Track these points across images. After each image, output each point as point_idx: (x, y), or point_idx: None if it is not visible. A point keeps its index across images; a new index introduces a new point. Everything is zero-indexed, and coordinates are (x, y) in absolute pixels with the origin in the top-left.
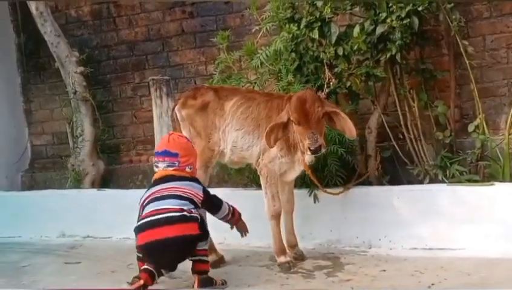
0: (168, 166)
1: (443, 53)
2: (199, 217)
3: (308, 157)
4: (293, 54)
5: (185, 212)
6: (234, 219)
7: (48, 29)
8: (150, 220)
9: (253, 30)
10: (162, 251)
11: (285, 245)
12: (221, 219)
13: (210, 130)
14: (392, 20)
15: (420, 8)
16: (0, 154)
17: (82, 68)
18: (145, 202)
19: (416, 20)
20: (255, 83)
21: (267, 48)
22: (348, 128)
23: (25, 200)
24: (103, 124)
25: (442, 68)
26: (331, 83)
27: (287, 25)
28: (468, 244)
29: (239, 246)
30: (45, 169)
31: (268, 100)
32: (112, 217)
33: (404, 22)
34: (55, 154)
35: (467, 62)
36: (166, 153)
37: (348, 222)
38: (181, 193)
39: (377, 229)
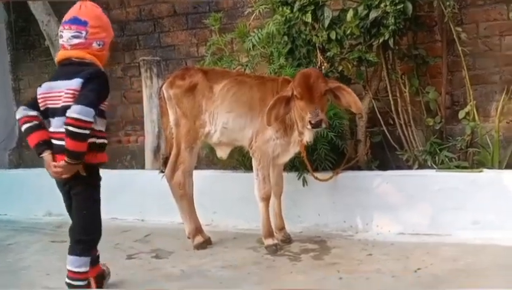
0: (73, 36)
1: (436, 39)
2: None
3: (308, 136)
4: (286, 37)
5: None
6: (73, 143)
7: (39, 8)
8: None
9: (245, 12)
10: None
11: (273, 228)
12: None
13: (197, 112)
14: (386, 5)
15: None
16: None
17: None
18: (40, 102)
19: (409, 6)
20: (247, 65)
21: (260, 30)
22: (354, 102)
23: (12, 178)
24: None
25: (435, 54)
26: (323, 67)
27: (280, 8)
28: (455, 230)
29: (226, 227)
30: None
31: (261, 83)
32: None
33: (398, 7)
34: None
35: (460, 49)
36: (74, 21)
37: (336, 206)
38: (69, 102)
39: (365, 213)
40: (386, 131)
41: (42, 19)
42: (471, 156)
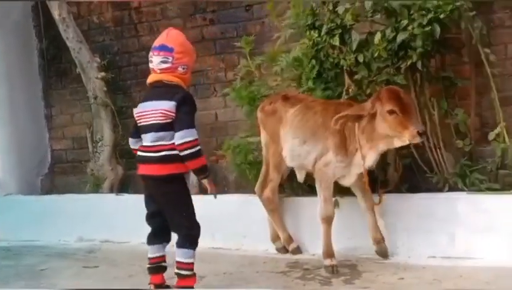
0: (162, 62)
1: (464, 61)
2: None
3: (369, 160)
4: (314, 61)
5: (164, 152)
6: (193, 162)
7: (70, 35)
8: (140, 156)
9: (274, 37)
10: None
11: (371, 241)
12: (179, 151)
13: (277, 136)
14: (413, 28)
15: (441, 16)
16: (20, 158)
17: (102, 74)
18: (137, 122)
19: (437, 28)
20: (276, 89)
21: (287, 54)
22: None
23: (44, 204)
24: (122, 130)
25: (463, 76)
26: (350, 90)
27: (307, 32)
28: (488, 254)
29: (256, 252)
30: (64, 173)
31: (324, 108)
32: (131, 222)
33: (425, 29)
34: (75, 159)
35: (488, 70)
36: (162, 48)
37: (367, 229)
38: (159, 120)
39: (396, 237)
40: (415, 153)
41: (73, 47)
42: (502, 178)
